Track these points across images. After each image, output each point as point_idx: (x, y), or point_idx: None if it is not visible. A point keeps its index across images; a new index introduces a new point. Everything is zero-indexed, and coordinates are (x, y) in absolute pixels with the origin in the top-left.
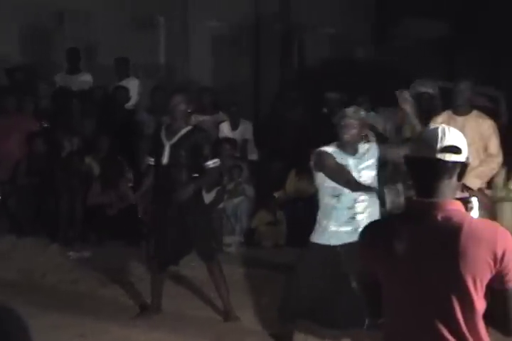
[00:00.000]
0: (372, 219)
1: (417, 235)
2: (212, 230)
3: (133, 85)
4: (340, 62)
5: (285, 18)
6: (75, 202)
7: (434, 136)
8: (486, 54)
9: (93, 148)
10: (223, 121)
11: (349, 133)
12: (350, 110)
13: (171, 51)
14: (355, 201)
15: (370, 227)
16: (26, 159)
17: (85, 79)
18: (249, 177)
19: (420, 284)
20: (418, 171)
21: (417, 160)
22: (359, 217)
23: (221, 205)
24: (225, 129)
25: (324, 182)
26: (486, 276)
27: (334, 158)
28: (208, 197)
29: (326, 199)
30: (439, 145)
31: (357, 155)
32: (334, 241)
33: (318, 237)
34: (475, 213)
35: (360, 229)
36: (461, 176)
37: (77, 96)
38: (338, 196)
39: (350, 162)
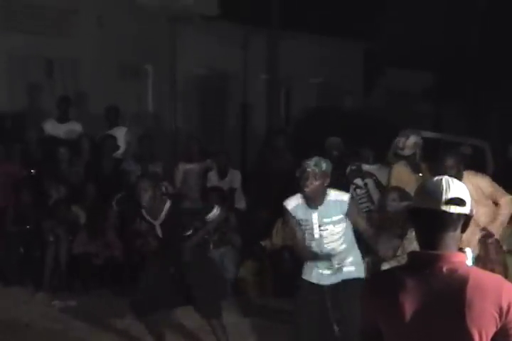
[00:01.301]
0: (356, 268)
1: (422, 287)
2: (216, 287)
3: (121, 133)
4: (327, 111)
5: (273, 66)
6: (61, 250)
7: (438, 187)
8: (470, 104)
9: (80, 197)
10: (211, 170)
11: (310, 187)
12: (311, 162)
13: (158, 99)
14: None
15: (374, 279)
16: (13, 207)
17: (74, 127)
18: (236, 226)
19: (425, 337)
20: (422, 223)
21: (421, 211)
22: (337, 265)
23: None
24: (213, 178)
25: None
26: (491, 330)
27: (293, 217)
28: None
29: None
30: (443, 197)
31: (321, 208)
32: (322, 281)
33: (307, 275)
34: (469, 263)
35: (340, 275)
36: (465, 228)
37: (65, 145)
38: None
39: (313, 216)
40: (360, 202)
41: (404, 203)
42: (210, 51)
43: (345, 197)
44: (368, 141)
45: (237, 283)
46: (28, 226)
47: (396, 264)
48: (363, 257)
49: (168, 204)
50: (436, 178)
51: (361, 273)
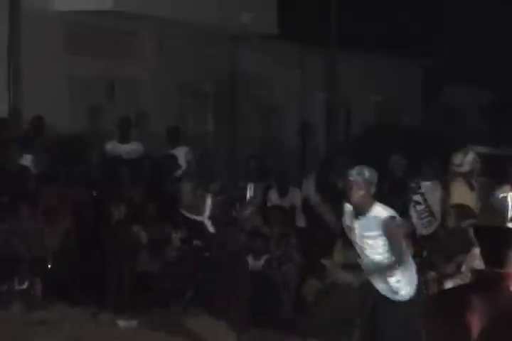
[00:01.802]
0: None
1: (489, 306)
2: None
3: (182, 153)
4: (387, 129)
5: (332, 85)
6: (123, 269)
7: (503, 205)
8: None
9: (141, 217)
10: (271, 188)
11: (354, 196)
12: (353, 171)
13: (218, 119)
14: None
15: (439, 298)
16: (75, 227)
17: (135, 147)
18: (297, 244)
19: None
20: (488, 240)
21: (486, 229)
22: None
23: (270, 272)
24: (273, 197)
25: None
26: None
27: (344, 222)
28: (256, 265)
29: None
30: (510, 214)
31: (364, 220)
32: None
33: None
34: None
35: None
36: None
37: (127, 165)
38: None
39: (356, 226)
40: (421, 217)
41: (469, 221)
42: (269, 71)
43: (385, 214)
44: (426, 158)
45: (298, 302)
46: (90, 247)
47: (460, 282)
48: (422, 274)
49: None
50: (501, 195)
51: (407, 294)
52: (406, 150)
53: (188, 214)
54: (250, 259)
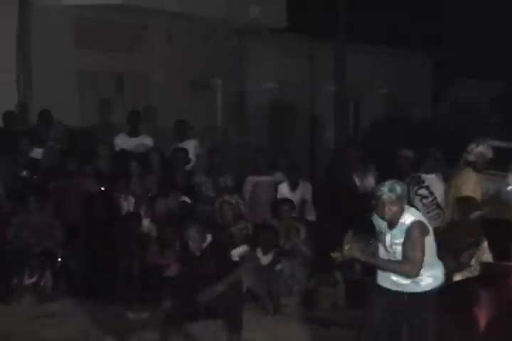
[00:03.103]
0: (434, 280)
1: (496, 299)
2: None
3: (191, 146)
4: (396, 122)
5: (341, 78)
6: (133, 263)
7: (511, 197)
8: None
9: (151, 211)
10: (281, 182)
11: (388, 214)
12: (384, 188)
13: (227, 113)
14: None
15: (447, 291)
16: (86, 221)
17: (145, 141)
18: (307, 238)
19: None
20: (496, 233)
21: (494, 222)
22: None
23: (278, 266)
24: (284, 190)
25: None
26: None
27: (375, 227)
28: (265, 259)
29: None
30: None
31: (394, 230)
32: (396, 288)
33: (382, 280)
34: None
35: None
36: None
37: (137, 158)
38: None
39: (387, 235)
40: (428, 210)
41: (477, 213)
42: (277, 64)
43: (411, 219)
44: (428, 151)
45: (308, 295)
46: (101, 240)
47: (468, 275)
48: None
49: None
50: (509, 188)
51: (436, 284)
52: (415, 143)
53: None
54: (259, 253)
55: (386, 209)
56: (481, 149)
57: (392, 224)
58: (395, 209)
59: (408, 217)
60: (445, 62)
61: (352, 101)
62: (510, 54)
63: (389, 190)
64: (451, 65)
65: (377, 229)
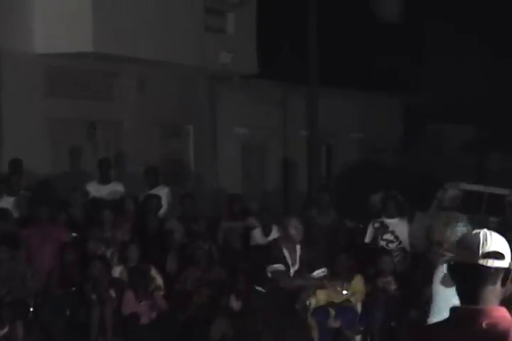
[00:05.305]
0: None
1: None
2: None
3: (163, 193)
4: (369, 167)
5: (313, 123)
6: (106, 310)
7: (476, 241)
8: None
9: (124, 258)
10: (254, 228)
11: None
12: (461, 224)
13: (199, 159)
14: None
15: (414, 334)
16: (58, 269)
17: (117, 188)
18: None
19: None
20: (461, 277)
21: (459, 265)
22: None
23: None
24: (257, 235)
25: None
26: None
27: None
28: (238, 304)
29: None
30: (481, 251)
31: None
32: None
33: None
34: None
35: None
36: (505, 282)
37: (109, 206)
38: None
39: None
40: (395, 254)
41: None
42: (249, 109)
43: None
44: (390, 195)
45: None
46: (73, 288)
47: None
48: None
49: None
50: (474, 231)
51: None
52: (385, 187)
53: None
54: (232, 298)
55: None
56: (452, 194)
57: None
58: None
59: None
60: (416, 107)
61: (324, 145)
62: (480, 98)
63: (464, 226)
64: (422, 110)
65: None
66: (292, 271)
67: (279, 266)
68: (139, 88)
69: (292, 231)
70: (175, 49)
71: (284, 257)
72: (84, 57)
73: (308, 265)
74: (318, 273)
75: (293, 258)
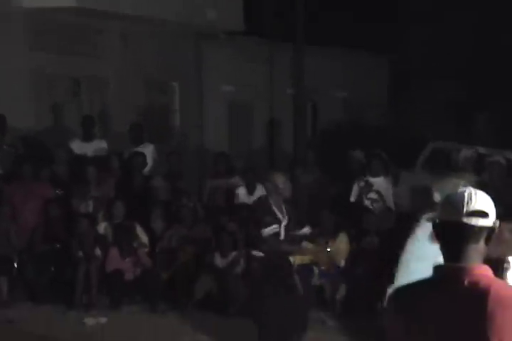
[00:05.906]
0: None
1: (444, 300)
2: None
3: (148, 150)
4: (353, 125)
5: (298, 81)
6: (91, 267)
7: (460, 199)
8: (501, 116)
9: (109, 214)
10: (239, 186)
11: None
12: None
13: (185, 116)
14: None
15: (397, 294)
16: (42, 226)
17: (100, 145)
18: None
19: None
20: (445, 235)
21: (443, 224)
22: None
23: (237, 269)
24: (242, 194)
25: None
26: None
27: None
28: (223, 262)
29: None
30: (465, 209)
31: None
32: None
33: None
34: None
35: None
36: (488, 240)
37: (93, 163)
38: None
39: None
40: (379, 213)
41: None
42: (235, 67)
43: None
44: (375, 153)
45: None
46: (58, 245)
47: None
48: None
49: None
50: (460, 190)
51: None
52: (370, 145)
53: None
54: (217, 256)
55: None
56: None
57: None
58: None
59: None
60: (400, 64)
61: (310, 103)
62: (466, 52)
63: None
64: (407, 66)
65: None
66: (282, 226)
67: (276, 227)
68: (123, 44)
69: (281, 185)
70: (159, 5)
71: (275, 213)
72: (67, 12)
73: (294, 222)
74: (304, 231)
75: (282, 214)
